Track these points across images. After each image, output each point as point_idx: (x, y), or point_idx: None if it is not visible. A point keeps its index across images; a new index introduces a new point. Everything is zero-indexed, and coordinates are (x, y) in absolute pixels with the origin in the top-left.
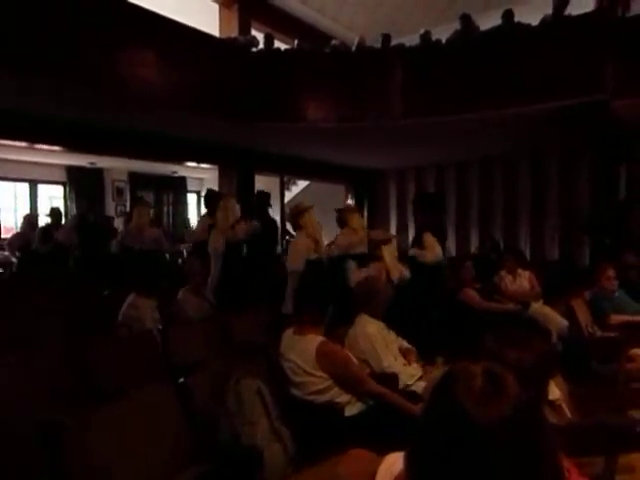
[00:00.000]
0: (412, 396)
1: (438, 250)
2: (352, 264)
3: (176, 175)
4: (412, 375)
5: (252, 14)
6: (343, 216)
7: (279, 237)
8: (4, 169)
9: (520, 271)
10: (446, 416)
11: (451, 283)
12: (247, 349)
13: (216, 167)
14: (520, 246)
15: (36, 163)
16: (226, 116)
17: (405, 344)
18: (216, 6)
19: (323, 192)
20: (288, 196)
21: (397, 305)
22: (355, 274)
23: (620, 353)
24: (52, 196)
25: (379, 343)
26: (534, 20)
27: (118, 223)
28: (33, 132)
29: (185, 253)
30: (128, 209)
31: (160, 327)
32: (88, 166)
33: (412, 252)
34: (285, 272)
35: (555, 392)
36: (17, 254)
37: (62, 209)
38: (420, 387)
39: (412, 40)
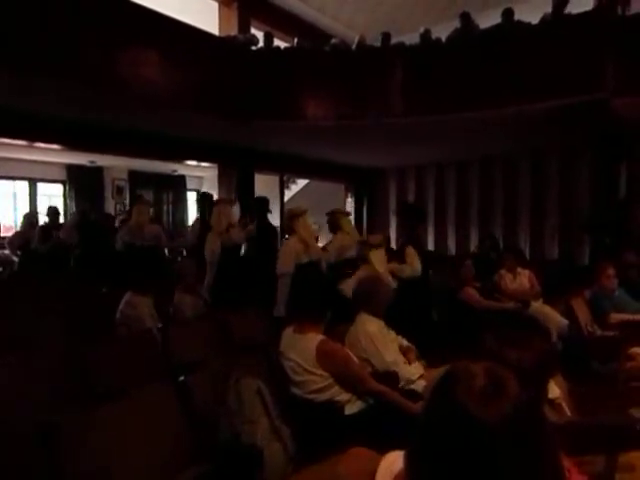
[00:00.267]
0: (412, 395)
1: (417, 265)
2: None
3: (176, 174)
4: (413, 373)
5: (252, 12)
6: (335, 219)
7: (278, 241)
8: (4, 167)
9: (520, 270)
10: (447, 416)
11: (451, 282)
12: (247, 348)
13: (216, 166)
14: (520, 245)
15: (36, 161)
16: (226, 115)
17: (405, 343)
18: (215, 4)
19: (323, 191)
20: (288, 195)
21: (397, 304)
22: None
23: (620, 352)
24: (51, 194)
25: (380, 341)
26: (534, 19)
27: (117, 221)
28: (33, 131)
29: (185, 252)
30: (127, 207)
31: (159, 326)
32: (88, 165)
33: (390, 267)
34: None
35: (555, 391)
36: (18, 253)
37: (62, 208)
38: (420, 386)
39: (412, 39)
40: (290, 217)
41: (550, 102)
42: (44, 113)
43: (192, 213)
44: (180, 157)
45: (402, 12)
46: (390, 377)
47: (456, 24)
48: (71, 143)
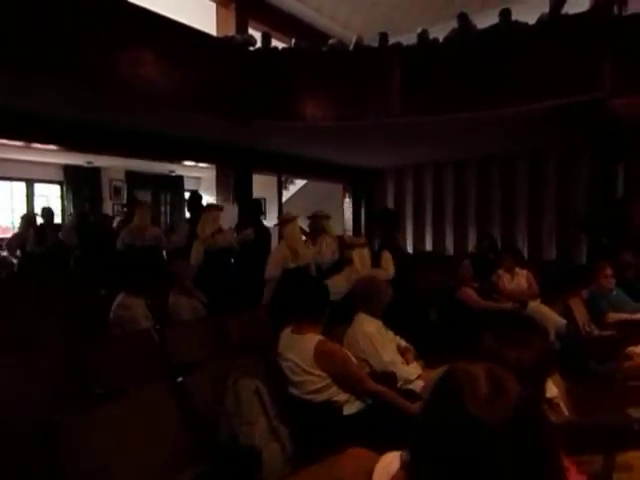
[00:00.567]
0: (410, 395)
1: (391, 270)
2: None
3: (173, 174)
4: (412, 373)
5: (249, 13)
6: (319, 222)
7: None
8: (0, 168)
9: (518, 270)
10: (448, 417)
11: (449, 282)
12: (245, 349)
13: (213, 166)
14: (518, 245)
15: (33, 162)
16: (225, 115)
17: (403, 343)
18: (213, 5)
19: (321, 191)
20: (286, 195)
21: (395, 304)
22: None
23: (617, 351)
24: (49, 195)
25: (378, 341)
26: (531, 19)
27: (115, 222)
28: (30, 131)
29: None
30: (125, 209)
31: (157, 327)
32: (85, 165)
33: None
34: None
35: (553, 390)
36: (17, 254)
37: (59, 209)
38: (418, 386)
39: (409, 39)
40: (280, 223)
41: (547, 102)
42: (42, 113)
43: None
44: (178, 157)
45: (399, 12)
46: (388, 377)
47: (453, 24)
48: (68, 143)
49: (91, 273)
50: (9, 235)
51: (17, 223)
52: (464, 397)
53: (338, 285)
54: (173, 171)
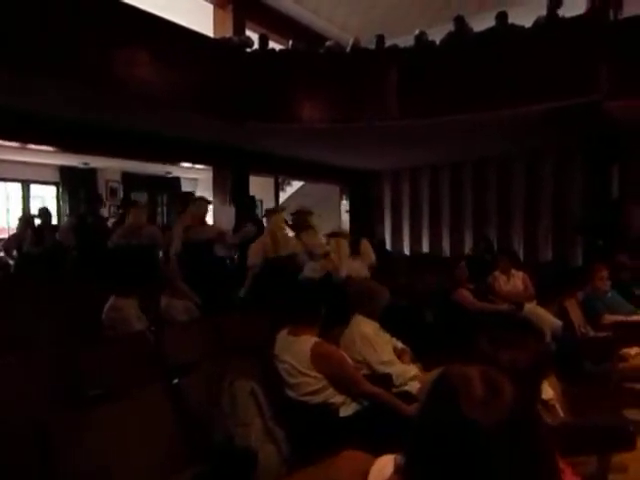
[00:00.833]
0: (406, 396)
1: (373, 257)
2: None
3: (170, 176)
4: (408, 371)
5: (246, 14)
6: (303, 218)
7: None
8: None
9: (514, 272)
10: (443, 420)
11: (445, 283)
12: (240, 350)
13: (210, 168)
14: (514, 247)
15: (28, 163)
16: (222, 116)
17: (400, 345)
18: (210, 6)
19: (318, 193)
20: (282, 197)
21: (390, 305)
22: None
23: (613, 353)
24: (44, 196)
25: (375, 342)
26: (528, 22)
27: (110, 223)
28: (25, 132)
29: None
30: (120, 210)
31: (152, 328)
32: (81, 166)
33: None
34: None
35: (548, 392)
36: (14, 254)
37: (55, 209)
38: (414, 387)
39: (406, 41)
40: (266, 214)
41: (544, 105)
42: (40, 114)
43: None
44: (175, 159)
45: (396, 14)
46: (384, 379)
47: (450, 27)
48: (64, 144)
49: (89, 274)
50: (5, 236)
51: (13, 224)
52: (459, 399)
53: (314, 270)
54: (170, 173)
